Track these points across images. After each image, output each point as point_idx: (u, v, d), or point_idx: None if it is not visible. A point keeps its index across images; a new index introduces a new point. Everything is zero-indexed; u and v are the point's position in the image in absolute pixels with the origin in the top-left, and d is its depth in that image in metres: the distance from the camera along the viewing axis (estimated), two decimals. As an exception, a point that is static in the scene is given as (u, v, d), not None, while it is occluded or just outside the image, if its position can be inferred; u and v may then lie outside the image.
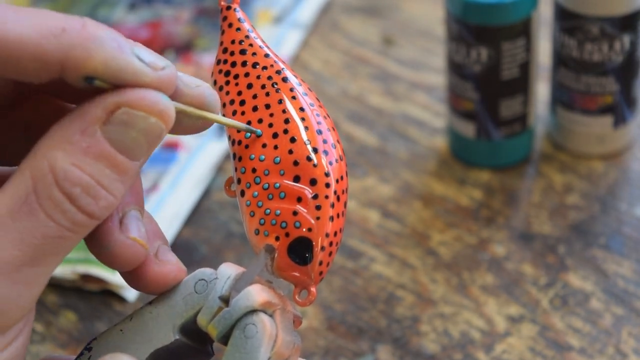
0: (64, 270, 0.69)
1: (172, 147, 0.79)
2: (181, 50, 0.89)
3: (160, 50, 0.89)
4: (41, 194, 0.39)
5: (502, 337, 0.65)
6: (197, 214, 0.75)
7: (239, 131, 0.45)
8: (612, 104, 0.74)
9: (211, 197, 0.76)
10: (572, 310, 0.66)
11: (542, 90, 0.79)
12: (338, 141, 0.44)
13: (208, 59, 0.88)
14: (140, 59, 0.41)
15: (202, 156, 0.78)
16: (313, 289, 0.44)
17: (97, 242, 0.43)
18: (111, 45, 0.40)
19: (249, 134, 0.44)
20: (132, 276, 0.44)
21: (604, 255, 0.69)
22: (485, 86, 0.73)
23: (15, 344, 0.40)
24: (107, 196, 0.40)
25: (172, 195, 0.75)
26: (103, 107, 0.40)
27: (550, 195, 0.74)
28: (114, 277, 0.69)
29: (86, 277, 0.69)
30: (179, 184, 0.76)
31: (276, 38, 0.89)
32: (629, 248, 0.70)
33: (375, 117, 0.82)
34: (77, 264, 0.69)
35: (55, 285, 0.70)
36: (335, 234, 0.44)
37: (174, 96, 0.42)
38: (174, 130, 0.43)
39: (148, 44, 0.90)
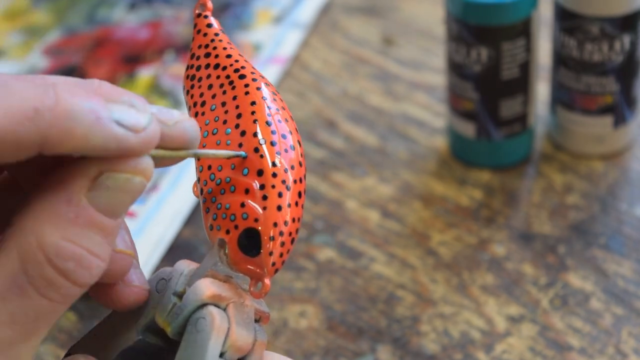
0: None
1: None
2: (181, 50, 0.89)
3: (160, 50, 0.89)
4: (32, 273, 0.38)
5: (502, 337, 0.65)
6: (197, 214, 0.75)
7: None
8: (612, 104, 0.74)
9: (211, 197, 0.76)
10: (572, 310, 0.66)
11: (542, 90, 0.79)
12: (291, 132, 0.44)
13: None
14: (121, 124, 0.39)
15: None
16: (267, 281, 0.43)
17: None
18: (89, 119, 0.37)
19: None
20: (98, 292, 0.44)
21: (604, 255, 0.69)
22: (485, 86, 0.73)
23: None
24: (98, 263, 0.39)
25: (172, 195, 0.75)
26: (86, 175, 0.39)
27: (550, 195, 0.74)
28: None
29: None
30: (179, 184, 0.76)
31: (276, 38, 0.89)
32: (629, 248, 0.70)
33: (375, 117, 0.82)
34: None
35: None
36: (286, 223, 0.43)
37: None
38: (155, 166, 0.43)
39: (148, 44, 0.90)
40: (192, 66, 0.47)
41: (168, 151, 0.42)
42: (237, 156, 0.44)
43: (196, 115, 0.46)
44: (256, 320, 0.44)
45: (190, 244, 0.73)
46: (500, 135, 0.75)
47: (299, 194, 0.44)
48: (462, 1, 0.71)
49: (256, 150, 0.44)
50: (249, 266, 0.43)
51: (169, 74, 0.86)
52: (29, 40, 0.92)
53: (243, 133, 0.44)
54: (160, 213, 0.74)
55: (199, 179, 0.45)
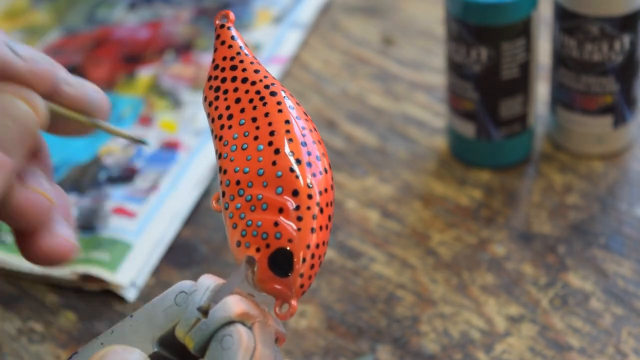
0: (63, 271, 0.69)
1: (172, 147, 0.79)
2: (181, 50, 0.89)
3: (160, 50, 0.89)
4: None
5: (502, 337, 0.65)
6: (197, 214, 0.75)
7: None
8: (612, 104, 0.74)
9: (211, 197, 0.76)
10: (572, 310, 0.66)
11: (542, 90, 0.79)
12: (324, 154, 0.44)
13: (208, 59, 0.88)
14: (14, 51, 0.39)
15: (202, 156, 0.78)
16: (294, 302, 0.43)
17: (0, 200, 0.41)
18: None
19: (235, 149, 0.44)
20: (25, 243, 0.43)
21: (604, 255, 0.69)
22: (485, 86, 0.73)
23: None
24: None
25: (172, 195, 0.75)
26: None
27: (550, 195, 0.74)
28: (114, 277, 0.69)
29: (86, 277, 0.69)
30: (179, 184, 0.76)
31: (276, 38, 0.89)
32: (629, 248, 0.70)
33: (375, 117, 0.82)
34: (77, 264, 0.69)
35: (55, 285, 0.70)
36: (318, 246, 0.43)
37: (54, 94, 0.41)
38: (55, 132, 0.42)
39: (148, 44, 0.90)
40: (216, 77, 0.47)
41: (63, 108, 0.41)
42: (140, 142, 0.44)
43: (222, 127, 0.45)
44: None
45: (190, 244, 0.73)
46: (500, 135, 0.75)
47: (329, 218, 0.44)
48: (462, 1, 0.71)
49: (291, 170, 0.43)
50: (276, 286, 0.43)
51: (169, 74, 0.86)
52: (29, 40, 0.92)
53: (277, 151, 0.44)
54: (160, 213, 0.74)
55: (223, 193, 0.44)
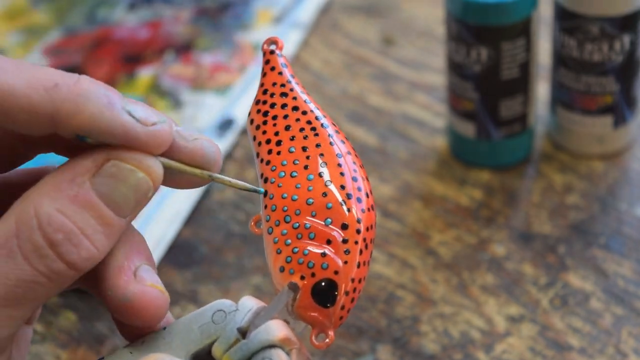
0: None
1: (172, 147, 0.79)
2: (181, 50, 0.89)
3: (160, 50, 0.89)
4: (22, 237, 0.38)
5: (502, 337, 0.65)
6: (197, 214, 0.75)
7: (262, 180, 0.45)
8: (612, 104, 0.74)
9: (211, 197, 0.76)
10: (572, 310, 0.66)
11: (542, 90, 0.79)
12: (370, 192, 0.45)
13: (208, 59, 0.88)
14: (132, 114, 0.40)
15: (202, 156, 0.78)
16: (331, 333, 0.44)
17: (114, 296, 0.42)
18: (100, 101, 0.39)
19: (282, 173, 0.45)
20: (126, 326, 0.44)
21: (604, 255, 0.69)
22: (485, 86, 0.73)
23: None
24: (89, 247, 0.40)
25: (172, 195, 0.75)
26: (93, 159, 0.40)
27: (550, 195, 0.74)
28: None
29: (86, 277, 0.69)
30: (179, 184, 0.76)
31: (276, 38, 0.89)
32: (629, 248, 0.70)
33: (375, 117, 0.82)
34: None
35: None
36: (360, 281, 0.44)
37: (170, 151, 0.42)
38: (171, 185, 0.43)
39: (148, 44, 0.90)
40: (264, 102, 0.47)
41: (179, 164, 0.42)
42: (254, 191, 0.44)
43: (269, 152, 0.45)
44: None
45: (190, 244, 0.73)
46: (500, 135, 0.75)
47: (370, 254, 0.44)
48: (462, 1, 0.71)
49: (342, 203, 0.44)
50: (315, 315, 0.43)
51: (169, 74, 0.86)
52: (29, 40, 0.92)
53: (328, 183, 0.44)
54: (160, 213, 0.74)
55: (268, 218, 0.44)
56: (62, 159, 0.42)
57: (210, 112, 0.82)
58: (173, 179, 0.43)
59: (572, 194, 0.74)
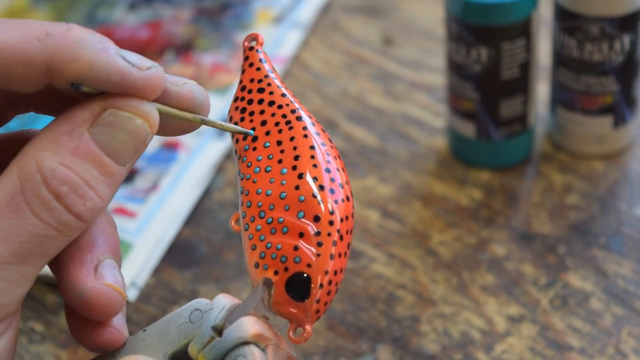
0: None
1: (172, 147, 0.79)
2: (181, 50, 0.89)
3: (160, 50, 0.89)
4: (28, 193, 0.39)
5: (502, 337, 0.65)
6: (197, 214, 0.75)
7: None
8: (612, 104, 0.74)
9: (211, 197, 0.76)
10: (572, 310, 0.66)
11: (542, 90, 0.79)
12: (347, 182, 0.45)
13: (208, 59, 0.88)
14: (126, 59, 0.40)
15: (202, 156, 0.78)
16: (308, 327, 0.43)
17: (71, 289, 0.42)
18: (95, 47, 0.40)
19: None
20: (78, 326, 0.44)
21: (604, 255, 0.69)
22: (485, 86, 0.73)
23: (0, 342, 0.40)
24: (94, 197, 0.40)
25: (172, 195, 0.75)
26: (90, 109, 0.40)
27: (550, 195, 0.74)
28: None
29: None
30: (179, 184, 0.76)
31: (276, 38, 0.89)
32: (629, 248, 0.70)
33: (375, 117, 0.82)
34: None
35: (55, 285, 0.70)
36: (336, 273, 0.43)
37: (161, 96, 0.42)
38: (161, 132, 0.43)
39: (148, 44, 0.90)
40: (242, 98, 0.47)
41: (173, 109, 0.42)
42: (245, 133, 0.44)
43: (246, 149, 0.46)
44: None
45: (190, 244, 0.73)
46: (500, 135, 0.75)
47: (348, 245, 0.44)
48: (462, 1, 0.71)
49: (314, 195, 0.44)
50: (291, 309, 0.43)
51: (169, 74, 0.86)
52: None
53: (301, 176, 0.44)
54: (160, 213, 0.74)
55: (244, 214, 0.44)
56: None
57: (210, 112, 0.82)
58: (165, 125, 0.43)
59: (572, 194, 0.74)
